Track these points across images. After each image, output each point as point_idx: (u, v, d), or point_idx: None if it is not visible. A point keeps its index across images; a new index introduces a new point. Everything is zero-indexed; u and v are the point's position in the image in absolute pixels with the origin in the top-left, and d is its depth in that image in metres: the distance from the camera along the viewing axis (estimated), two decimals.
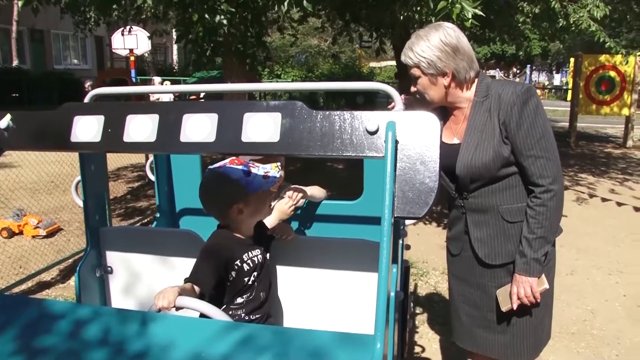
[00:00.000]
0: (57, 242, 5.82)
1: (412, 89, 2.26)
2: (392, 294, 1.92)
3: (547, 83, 37.93)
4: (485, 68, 33.02)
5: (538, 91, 29.63)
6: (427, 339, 3.79)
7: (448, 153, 2.22)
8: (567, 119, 14.33)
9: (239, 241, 2.04)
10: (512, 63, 33.53)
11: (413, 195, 1.42)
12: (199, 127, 1.59)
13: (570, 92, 15.61)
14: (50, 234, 5.94)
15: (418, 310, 4.26)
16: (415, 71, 2.17)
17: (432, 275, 4.99)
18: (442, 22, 2.17)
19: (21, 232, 5.93)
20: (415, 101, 2.37)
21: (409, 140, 1.46)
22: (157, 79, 16.12)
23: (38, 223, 5.91)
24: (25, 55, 24.13)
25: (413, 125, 1.46)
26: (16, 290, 4.55)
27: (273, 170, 2.04)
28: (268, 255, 2.12)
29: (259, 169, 2.01)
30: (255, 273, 2.02)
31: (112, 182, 8.68)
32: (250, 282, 2.01)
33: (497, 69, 32.55)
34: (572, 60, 15.44)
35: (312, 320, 2.19)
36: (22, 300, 1.84)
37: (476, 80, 2.19)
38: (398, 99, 1.80)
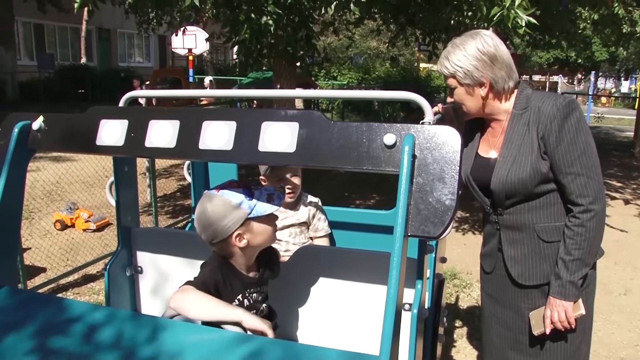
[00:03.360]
0: (106, 237, 6.00)
1: (449, 99, 2.18)
2: (415, 311, 1.87)
3: (613, 90, 36.41)
4: (548, 74, 31.99)
5: (603, 99, 28.48)
6: (464, 354, 3.68)
7: (484, 167, 2.14)
8: (633, 128, 13.67)
9: (240, 277, 1.87)
10: (576, 69, 32.29)
11: (429, 214, 1.35)
12: (217, 135, 1.58)
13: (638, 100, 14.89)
14: (99, 228, 6.15)
15: (457, 323, 4.14)
16: (452, 81, 2.08)
17: (476, 288, 4.83)
18: (479, 30, 2.08)
19: (73, 225, 6.16)
20: (453, 111, 2.30)
21: (428, 156, 1.39)
22: (206, 80, 16.32)
23: (89, 217, 6.13)
24: (92, 53, 25.20)
25: (433, 140, 1.40)
26: (63, 281, 4.72)
27: (278, 192, 1.87)
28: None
29: (261, 191, 1.83)
30: (252, 311, 1.85)
31: (163, 179, 8.90)
32: None
33: (560, 75, 31.39)
34: None
35: (329, 334, 2.14)
36: (41, 298, 1.89)
37: (515, 91, 2.09)
38: (428, 110, 1.72)
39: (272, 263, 2.02)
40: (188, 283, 1.79)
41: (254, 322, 1.68)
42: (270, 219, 1.85)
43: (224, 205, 1.78)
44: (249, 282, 1.89)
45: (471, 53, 2.00)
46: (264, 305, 1.95)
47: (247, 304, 1.88)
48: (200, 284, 1.77)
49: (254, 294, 1.91)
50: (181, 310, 1.73)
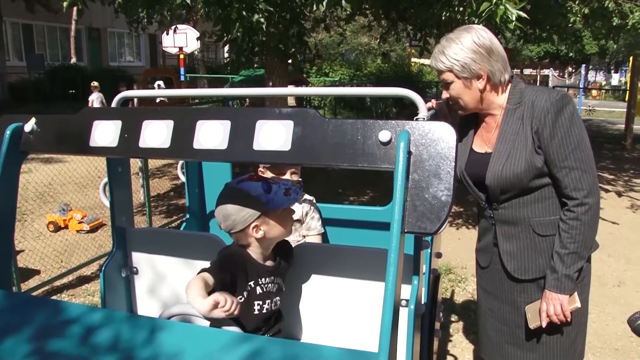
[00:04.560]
0: (100, 237, 5.98)
1: (444, 95, 2.17)
2: (412, 306, 1.87)
3: (604, 83, 36.59)
4: (539, 68, 32.09)
5: (594, 92, 28.63)
6: (460, 349, 3.69)
7: (479, 162, 2.14)
8: (624, 120, 13.74)
9: (255, 264, 1.93)
10: (567, 62, 32.41)
11: (425, 210, 1.36)
12: (211, 134, 1.58)
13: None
14: (93, 229, 6.12)
15: (453, 318, 4.15)
16: (448, 76, 2.07)
17: (471, 282, 4.85)
18: (472, 25, 2.08)
19: (66, 227, 6.13)
20: (447, 107, 2.29)
21: (424, 152, 1.39)
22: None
23: (82, 218, 6.10)
24: (82, 53, 25.03)
25: (428, 137, 1.40)
26: (57, 283, 4.70)
27: (295, 186, 1.93)
28: (284, 285, 2.03)
29: (279, 186, 1.90)
30: (266, 301, 1.93)
31: (157, 178, 8.87)
32: (257, 311, 1.92)
33: (551, 69, 31.48)
34: (631, 59, 14.78)
35: (326, 331, 2.14)
36: (36, 301, 1.88)
37: (510, 85, 2.09)
38: (422, 105, 1.71)
39: (287, 255, 2.08)
40: (203, 270, 1.84)
41: (204, 306, 1.68)
42: (286, 213, 1.95)
43: (243, 198, 1.86)
44: (264, 270, 1.95)
45: (468, 46, 2.00)
46: (277, 298, 1.99)
47: (260, 291, 1.93)
48: (215, 269, 1.83)
49: (269, 285, 1.96)
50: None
